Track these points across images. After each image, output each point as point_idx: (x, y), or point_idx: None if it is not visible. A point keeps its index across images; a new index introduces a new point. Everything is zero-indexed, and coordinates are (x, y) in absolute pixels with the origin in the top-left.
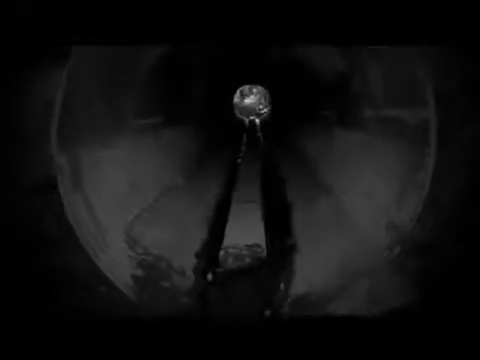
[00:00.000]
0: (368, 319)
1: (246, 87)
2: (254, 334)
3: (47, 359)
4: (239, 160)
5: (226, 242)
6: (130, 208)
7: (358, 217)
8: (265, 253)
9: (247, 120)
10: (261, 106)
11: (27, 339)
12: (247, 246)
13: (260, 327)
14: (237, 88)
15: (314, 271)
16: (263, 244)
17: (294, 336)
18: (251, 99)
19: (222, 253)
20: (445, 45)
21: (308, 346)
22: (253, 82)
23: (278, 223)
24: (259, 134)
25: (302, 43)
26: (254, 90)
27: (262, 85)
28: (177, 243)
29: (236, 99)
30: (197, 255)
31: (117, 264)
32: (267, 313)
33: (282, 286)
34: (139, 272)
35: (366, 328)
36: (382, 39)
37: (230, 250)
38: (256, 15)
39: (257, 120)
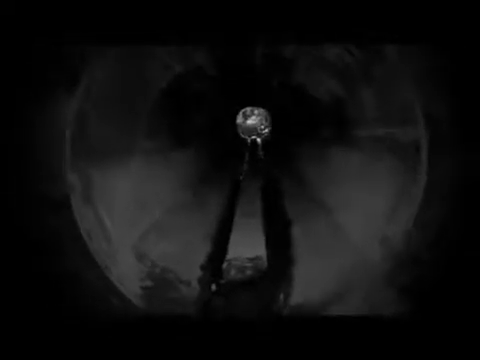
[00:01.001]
0: (364, 321)
1: (248, 109)
2: (254, 334)
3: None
4: (241, 177)
5: (229, 255)
6: (139, 223)
7: (354, 232)
8: (266, 265)
9: (249, 139)
10: (262, 126)
11: (35, 340)
12: (249, 259)
13: (260, 327)
14: (240, 110)
15: (312, 283)
16: (264, 257)
17: (293, 336)
18: (253, 120)
19: (225, 265)
20: (444, 46)
21: (305, 346)
22: (255, 104)
23: (278, 237)
24: (260, 153)
25: (302, 43)
26: (256, 111)
27: (263, 107)
28: (183, 256)
29: (239, 120)
30: (202, 267)
31: (127, 276)
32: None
33: (282, 296)
34: (148, 283)
35: (362, 330)
36: (382, 39)
37: (233, 262)
38: (258, 15)
39: (258, 139)
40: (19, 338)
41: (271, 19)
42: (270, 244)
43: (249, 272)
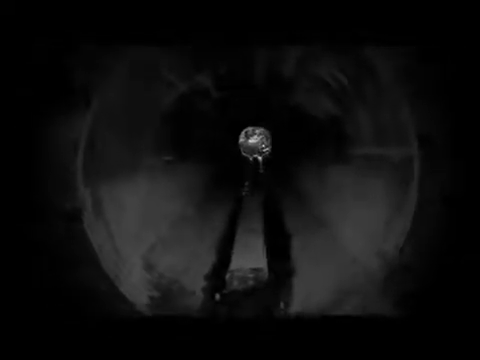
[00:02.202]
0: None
1: (250, 128)
2: (255, 334)
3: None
4: (243, 193)
5: (232, 266)
6: (147, 236)
7: (350, 245)
8: (267, 276)
9: (251, 158)
10: (263, 145)
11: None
12: (251, 269)
13: (260, 327)
14: (242, 129)
15: (311, 292)
16: (265, 268)
17: (292, 336)
18: (254, 139)
19: (228, 276)
20: (444, 46)
21: (304, 346)
22: (256, 124)
23: (278, 249)
24: (261, 170)
25: (301, 44)
26: (257, 131)
27: (264, 127)
28: (188, 267)
29: (241, 139)
30: (206, 278)
31: (136, 287)
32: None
33: (282, 305)
34: (155, 293)
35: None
36: (379, 40)
37: (235, 273)
38: (257, 15)
39: (260, 158)
40: (28, 341)
41: (271, 20)
42: (271, 256)
43: (251, 282)
